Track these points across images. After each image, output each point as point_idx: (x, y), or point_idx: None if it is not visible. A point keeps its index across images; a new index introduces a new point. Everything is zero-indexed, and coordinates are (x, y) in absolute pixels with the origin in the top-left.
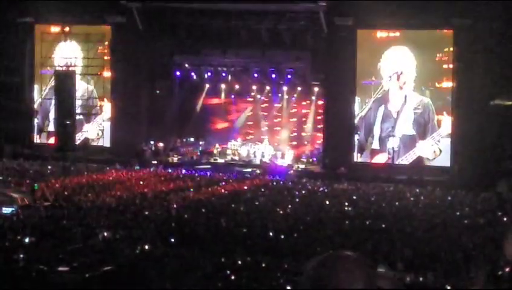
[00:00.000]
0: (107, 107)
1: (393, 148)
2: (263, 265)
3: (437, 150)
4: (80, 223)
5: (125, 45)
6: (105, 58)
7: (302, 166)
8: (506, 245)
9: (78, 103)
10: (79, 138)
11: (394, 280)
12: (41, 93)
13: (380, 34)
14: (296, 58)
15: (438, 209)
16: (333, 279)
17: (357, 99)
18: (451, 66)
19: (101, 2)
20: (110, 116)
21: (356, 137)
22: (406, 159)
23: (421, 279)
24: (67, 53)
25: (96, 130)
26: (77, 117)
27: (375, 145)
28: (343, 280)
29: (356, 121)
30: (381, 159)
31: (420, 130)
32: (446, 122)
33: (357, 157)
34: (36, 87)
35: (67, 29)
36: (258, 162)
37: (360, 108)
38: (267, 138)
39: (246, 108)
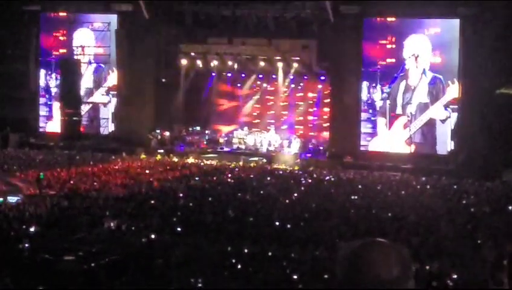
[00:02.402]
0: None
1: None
2: (270, 254)
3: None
4: (86, 213)
5: (131, 34)
6: (112, 46)
7: (308, 155)
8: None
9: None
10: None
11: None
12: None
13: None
14: (302, 47)
15: (444, 198)
16: (368, 266)
17: (365, 84)
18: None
19: None
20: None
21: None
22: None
23: (427, 268)
24: (73, 41)
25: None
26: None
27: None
28: (377, 267)
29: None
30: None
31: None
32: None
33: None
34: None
35: (73, 17)
36: (264, 150)
37: (367, 93)
38: (273, 127)
39: (252, 97)
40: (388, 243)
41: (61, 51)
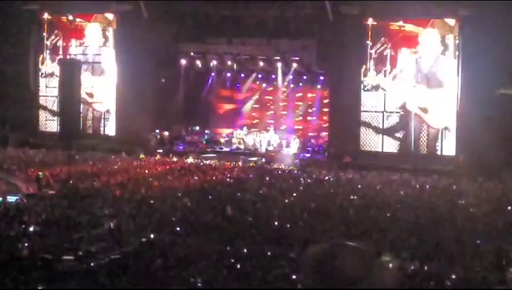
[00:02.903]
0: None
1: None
2: (268, 254)
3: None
4: (85, 212)
5: (131, 33)
6: (111, 46)
7: (307, 155)
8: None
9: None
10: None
11: (394, 270)
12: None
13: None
14: (302, 47)
15: (443, 198)
16: (334, 266)
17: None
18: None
19: None
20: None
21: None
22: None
23: (426, 268)
24: (73, 41)
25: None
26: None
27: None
28: (344, 268)
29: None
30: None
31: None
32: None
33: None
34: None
35: (72, 17)
36: (263, 150)
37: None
38: (273, 127)
39: (251, 97)
40: (354, 245)
41: (61, 50)
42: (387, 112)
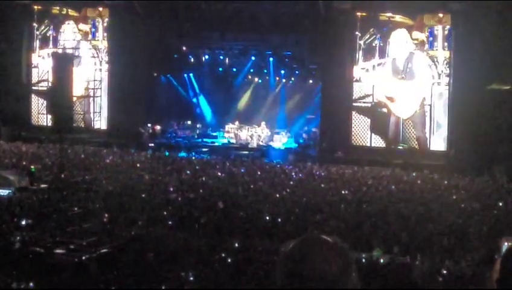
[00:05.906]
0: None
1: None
2: (260, 248)
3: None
4: (77, 206)
5: (123, 27)
6: (103, 40)
7: (299, 149)
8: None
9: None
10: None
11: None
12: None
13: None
14: (294, 42)
15: (434, 193)
16: (308, 262)
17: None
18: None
19: None
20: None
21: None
22: None
23: (417, 263)
24: (65, 34)
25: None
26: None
27: None
28: (318, 263)
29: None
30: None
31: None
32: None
33: None
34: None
35: (65, 10)
36: (255, 145)
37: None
38: (265, 121)
39: (244, 91)
40: (328, 238)
41: (53, 44)
42: (365, 102)
